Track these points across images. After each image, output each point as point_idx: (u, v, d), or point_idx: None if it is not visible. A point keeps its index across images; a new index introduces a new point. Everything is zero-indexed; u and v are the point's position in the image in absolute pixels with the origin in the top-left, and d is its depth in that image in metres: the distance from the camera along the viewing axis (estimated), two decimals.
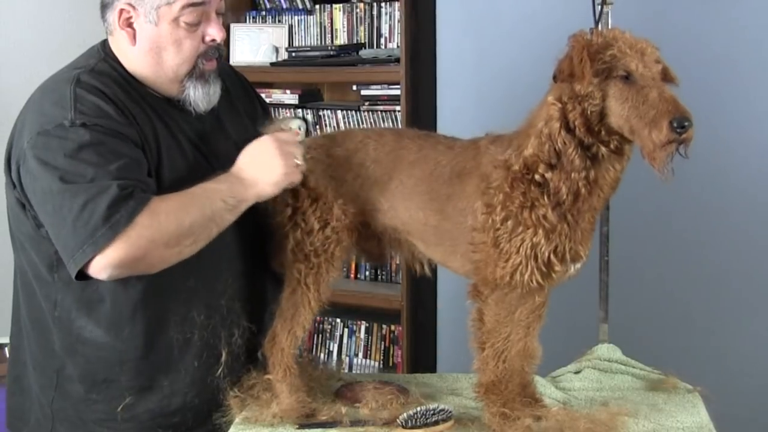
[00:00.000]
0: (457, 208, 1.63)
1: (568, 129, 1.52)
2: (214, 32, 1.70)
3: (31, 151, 1.58)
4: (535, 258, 1.55)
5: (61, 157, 1.55)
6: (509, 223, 1.55)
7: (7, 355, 1.87)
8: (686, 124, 1.42)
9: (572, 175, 1.52)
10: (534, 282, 1.56)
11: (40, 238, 1.67)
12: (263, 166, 1.65)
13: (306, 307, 1.70)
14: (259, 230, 1.78)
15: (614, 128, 1.49)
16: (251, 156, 1.67)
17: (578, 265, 1.61)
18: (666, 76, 1.53)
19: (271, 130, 1.73)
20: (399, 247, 1.75)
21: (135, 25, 1.68)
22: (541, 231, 1.54)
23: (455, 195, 1.64)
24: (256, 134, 1.82)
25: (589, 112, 1.49)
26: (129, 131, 1.62)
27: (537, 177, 1.54)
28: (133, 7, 1.66)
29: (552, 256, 1.55)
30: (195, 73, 1.71)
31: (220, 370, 1.74)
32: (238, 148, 1.77)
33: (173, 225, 1.56)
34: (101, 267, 1.54)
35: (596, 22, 1.99)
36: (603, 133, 1.50)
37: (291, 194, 1.70)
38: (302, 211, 1.69)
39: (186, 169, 1.70)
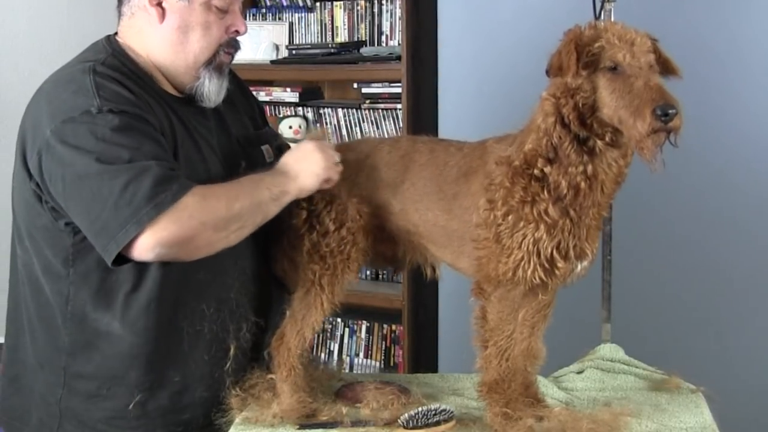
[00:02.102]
0: (463, 206, 1.63)
1: (563, 123, 1.52)
2: (239, 24, 1.75)
3: (58, 138, 1.57)
4: (538, 254, 1.54)
5: (94, 141, 1.55)
6: (510, 218, 1.55)
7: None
8: (670, 111, 1.41)
9: (569, 169, 1.52)
10: (537, 278, 1.55)
11: (56, 231, 1.66)
12: (305, 161, 1.69)
13: (318, 309, 1.70)
14: (266, 230, 1.78)
15: (606, 120, 1.49)
16: (292, 154, 1.72)
17: (585, 263, 1.60)
18: (667, 69, 1.53)
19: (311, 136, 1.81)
20: (412, 251, 1.75)
21: (165, 4, 1.70)
22: (542, 226, 1.53)
23: (461, 194, 1.64)
24: (256, 132, 1.84)
25: (580, 105, 1.50)
26: (151, 118, 1.63)
27: (536, 172, 1.54)
28: None
29: (555, 252, 1.54)
30: (214, 62, 1.73)
31: (228, 364, 1.75)
32: (240, 144, 1.79)
33: (224, 208, 1.58)
34: (148, 246, 1.53)
35: (597, 17, 1.98)
36: (596, 125, 1.50)
37: (306, 197, 1.71)
38: (317, 213, 1.70)
39: (200, 162, 1.71)
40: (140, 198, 1.51)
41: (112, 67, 1.67)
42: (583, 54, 1.48)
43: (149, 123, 1.61)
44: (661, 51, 1.53)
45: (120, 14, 1.76)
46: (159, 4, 1.70)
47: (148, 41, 1.72)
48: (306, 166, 1.68)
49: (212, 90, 1.74)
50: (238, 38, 1.77)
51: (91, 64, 1.65)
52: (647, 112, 1.41)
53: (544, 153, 1.53)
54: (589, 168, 1.52)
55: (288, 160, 1.71)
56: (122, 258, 1.56)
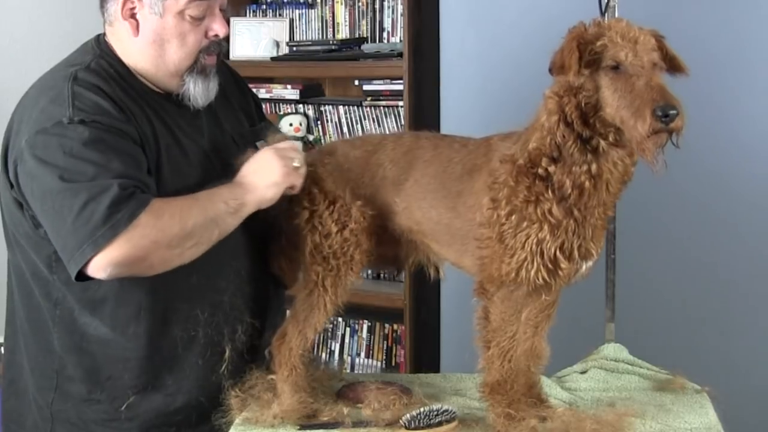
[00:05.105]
0: (467, 204, 1.62)
1: (567, 122, 1.50)
2: (218, 27, 1.71)
3: (30, 150, 1.57)
4: (541, 254, 1.52)
5: (61, 156, 1.54)
6: (514, 217, 1.53)
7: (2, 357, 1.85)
8: (671, 112, 1.39)
9: (573, 168, 1.50)
10: (540, 279, 1.54)
11: (38, 238, 1.66)
12: (262, 171, 1.66)
13: (321, 310, 1.69)
14: (262, 228, 1.77)
15: (609, 120, 1.47)
16: (250, 165, 1.68)
17: (590, 263, 1.59)
18: (674, 66, 1.51)
19: (272, 140, 1.76)
20: (415, 250, 1.73)
21: (138, 16, 1.67)
22: (546, 226, 1.52)
23: (465, 191, 1.62)
24: (252, 129, 1.82)
25: (583, 104, 1.48)
26: (128, 128, 1.61)
27: (540, 171, 1.52)
28: None
29: (558, 252, 1.52)
30: (196, 68, 1.71)
31: (223, 368, 1.74)
32: (235, 142, 1.79)
33: (176, 226, 1.55)
34: (101, 266, 1.52)
35: (602, 13, 1.96)
36: (598, 125, 1.48)
37: (307, 197, 1.69)
38: (319, 214, 1.68)
39: (187, 166, 1.70)
40: (96, 219, 1.50)
41: (98, 71, 1.65)
42: (585, 52, 1.46)
43: (125, 134, 1.59)
44: (668, 48, 1.51)
45: (103, 18, 1.73)
46: (133, 17, 1.67)
47: (129, 50, 1.70)
48: (263, 176, 1.65)
49: (198, 93, 1.72)
50: (221, 38, 1.73)
51: (74, 70, 1.64)
52: (647, 113, 1.40)
53: (548, 152, 1.51)
54: (594, 167, 1.50)
55: (245, 171, 1.68)
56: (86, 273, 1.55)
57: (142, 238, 1.52)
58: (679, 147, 1.43)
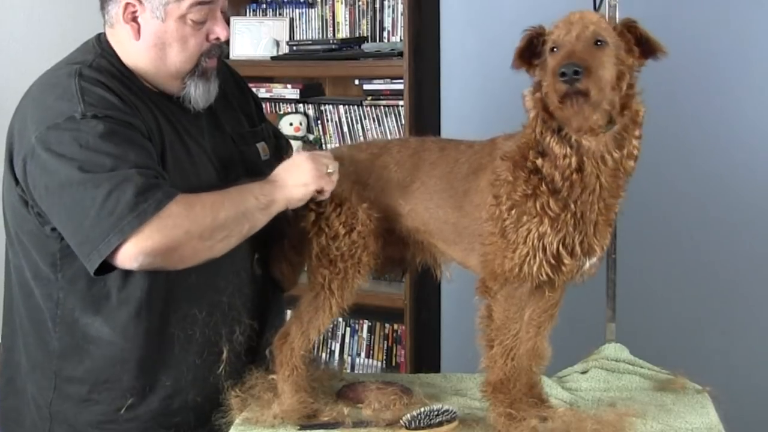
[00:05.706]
0: (473, 203, 1.62)
1: (542, 118, 1.50)
2: (219, 31, 1.71)
3: (42, 145, 1.56)
4: (543, 249, 1.52)
5: (77, 149, 1.54)
6: (514, 212, 1.54)
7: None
8: (568, 70, 1.37)
9: (557, 162, 1.50)
10: (543, 274, 1.53)
11: (43, 236, 1.65)
12: (294, 170, 1.67)
13: (326, 312, 1.68)
14: (263, 230, 1.77)
15: None
16: (284, 164, 1.70)
17: (593, 260, 1.58)
18: (651, 49, 1.48)
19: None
20: (422, 251, 1.73)
21: (140, 20, 1.67)
22: (546, 220, 1.51)
23: (471, 190, 1.63)
24: (252, 129, 1.83)
25: (544, 94, 1.48)
26: (136, 122, 1.61)
27: (529, 164, 1.52)
28: (140, 2, 1.66)
29: (560, 247, 1.52)
30: (197, 71, 1.71)
31: (221, 368, 1.74)
32: (234, 142, 1.78)
33: (209, 217, 1.56)
34: (131, 255, 1.52)
35: (595, 9, 1.96)
36: (557, 113, 1.47)
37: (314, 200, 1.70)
38: (326, 216, 1.68)
39: (190, 165, 1.70)
40: (122, 207, 1.50)
41: (100, 69, 1.65)
42: (539, 45, 1.48)
43: (135, 128, 1.59)
44: (641, 30, 1.48)
45: (103, 19, 1.73)
46: (134, 20, 1.67)
47: (129, 52, 1.70)
48: (295, 176, 1.66)
49: (199, 95, 1.72)
50: (223, 41, 1.73)
51: (77, 67, 1.63)
52: (552, 77, 1.39)
53: (534, 145, 1.52)
54: (574, 160, 1.49)
55: (279, 170, 1.69)
56: (107, 266, 1.55)
57: (174, 228, 1.52)
58: (592, 107, 1.40)
